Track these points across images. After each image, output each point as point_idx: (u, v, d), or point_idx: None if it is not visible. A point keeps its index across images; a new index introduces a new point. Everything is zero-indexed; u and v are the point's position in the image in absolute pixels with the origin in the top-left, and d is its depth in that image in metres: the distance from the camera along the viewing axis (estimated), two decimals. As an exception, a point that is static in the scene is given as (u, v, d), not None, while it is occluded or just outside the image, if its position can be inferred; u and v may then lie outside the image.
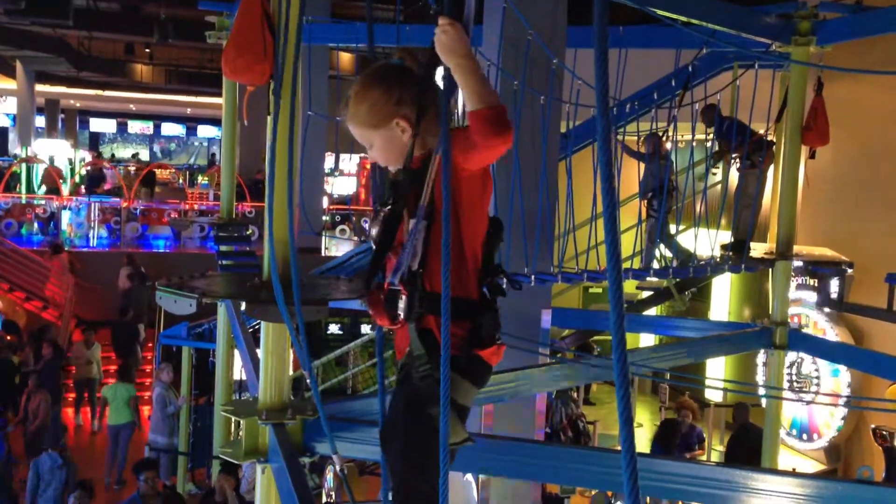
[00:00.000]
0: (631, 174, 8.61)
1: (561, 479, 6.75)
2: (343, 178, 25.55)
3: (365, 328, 13.49)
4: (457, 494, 7.60)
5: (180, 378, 11.23)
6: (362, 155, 20.70)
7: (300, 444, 4.15)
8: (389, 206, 2.28)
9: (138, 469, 8.65)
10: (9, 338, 14.14)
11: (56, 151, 26.02)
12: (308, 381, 4.29)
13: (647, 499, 6.92)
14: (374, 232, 2.31)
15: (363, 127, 2.33)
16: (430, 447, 2.14)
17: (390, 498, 2.56)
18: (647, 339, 14.37)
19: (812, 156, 7.45)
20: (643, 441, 11.64)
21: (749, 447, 9.99)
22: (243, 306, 5.31)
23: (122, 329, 15.16)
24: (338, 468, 3.49)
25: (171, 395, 10.98)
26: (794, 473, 4.85)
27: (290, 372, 4.65)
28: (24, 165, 22.29)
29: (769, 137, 8.40)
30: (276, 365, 4.33)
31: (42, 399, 11.44)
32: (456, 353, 2.17)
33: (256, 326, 5.38)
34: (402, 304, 2.23)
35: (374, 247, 2.33)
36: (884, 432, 9.20)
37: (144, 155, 44.91)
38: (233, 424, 8.58)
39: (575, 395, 11.89)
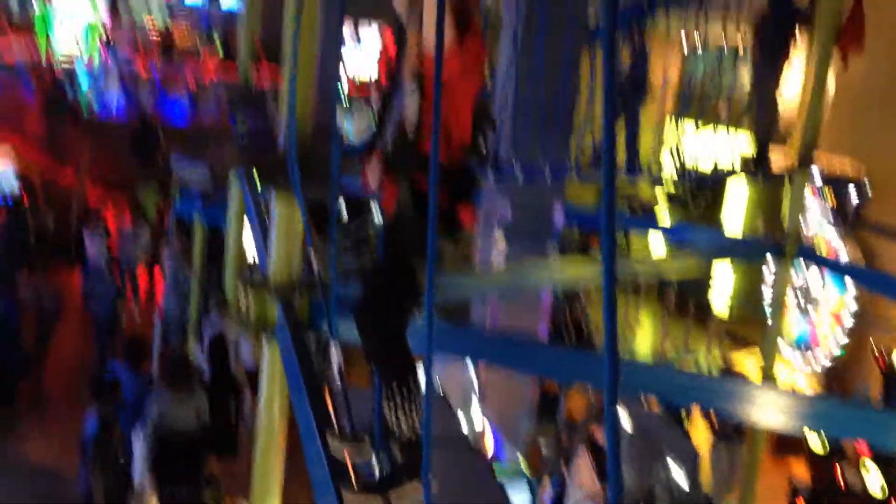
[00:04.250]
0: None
1: (561, 377, 6.87)
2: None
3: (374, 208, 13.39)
4: (456, 380, 7.76)
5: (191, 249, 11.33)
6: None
7: (307, 322, 4.18)
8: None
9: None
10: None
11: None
12: (314, 264, 4.27)
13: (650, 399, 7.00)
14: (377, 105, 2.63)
15: None
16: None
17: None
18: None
19: (845, 65, 7.09)
20: (646, 345, 11.78)
21: None
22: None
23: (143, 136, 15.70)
24: (335, 362, 3.41)
25: (185, 271, 11.10)
26: (792, 392, 4.91)
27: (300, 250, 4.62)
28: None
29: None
30: (286, 241, 4.32)
31: None
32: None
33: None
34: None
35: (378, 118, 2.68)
36: (882, 351, 9.24)
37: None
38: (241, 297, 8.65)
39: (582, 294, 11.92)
